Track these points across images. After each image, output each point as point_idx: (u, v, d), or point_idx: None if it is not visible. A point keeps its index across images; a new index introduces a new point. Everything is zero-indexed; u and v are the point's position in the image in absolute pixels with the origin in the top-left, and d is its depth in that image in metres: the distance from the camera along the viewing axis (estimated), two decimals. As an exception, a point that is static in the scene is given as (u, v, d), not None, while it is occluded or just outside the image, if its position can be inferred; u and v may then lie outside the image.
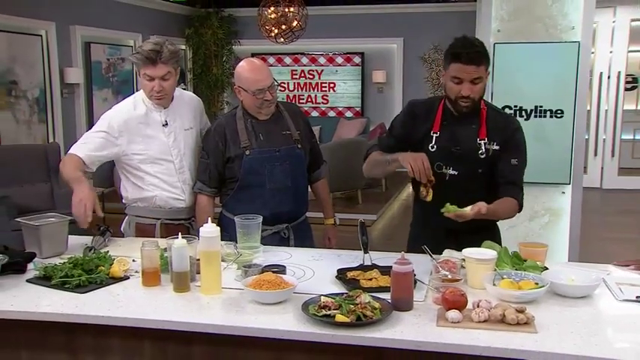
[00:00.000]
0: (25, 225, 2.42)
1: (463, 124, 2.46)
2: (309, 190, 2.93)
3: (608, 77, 8.91)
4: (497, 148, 2.45)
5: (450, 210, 2.22)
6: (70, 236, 2.55)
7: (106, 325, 1.89)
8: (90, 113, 8.02)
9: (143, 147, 2.71)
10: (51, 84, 7.35)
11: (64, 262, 2.19)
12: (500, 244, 2.50)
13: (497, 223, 2.64)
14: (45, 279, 2.14)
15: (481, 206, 2.22)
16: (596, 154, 9.00)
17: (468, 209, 2.21)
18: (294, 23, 7.71)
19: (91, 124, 7.97)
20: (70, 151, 2.69)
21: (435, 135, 2.47)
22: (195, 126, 2.86)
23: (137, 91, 2.85)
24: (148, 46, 2.60)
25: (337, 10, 9.96)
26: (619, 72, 8.93)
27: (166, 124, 2.74)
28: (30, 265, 2.27)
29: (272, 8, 7.67)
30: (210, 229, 2.02)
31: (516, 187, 2.45)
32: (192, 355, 1.91)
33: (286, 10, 7.68)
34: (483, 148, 2.43)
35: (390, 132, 2.66)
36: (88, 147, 2.66)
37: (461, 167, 2.44)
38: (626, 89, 9.04)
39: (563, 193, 3.87)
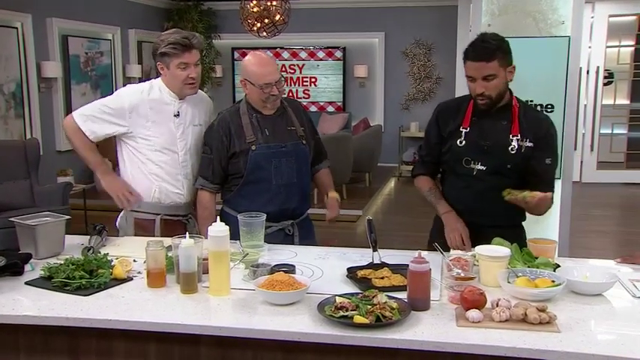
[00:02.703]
0: (20, 225, 2.34)
1: (494, 120, 2.47)
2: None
3: (587, 72, 9.01)
4: (530, 145, 2.45)
5: (514, 194, 2.27)
6: (65, 236, 2.46)
7: (112, 328, 1.82)
8: (68, 108, 7.81)
9: (151, 133, 2.68)
10: (27, 78, 7.14)
11: (63, 263, 2.11)
12: (525, 243, 2.45)
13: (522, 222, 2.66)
14: (47, 280, 2.06)
15: (542, 198, 2.26)
16: (575, 149, 9.09)
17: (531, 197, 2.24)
18: (277, 17, 7.61)
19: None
20: (76, 119, 2.69)
21: (464, 130, 2.48)
22: (204, 124, 2.81)
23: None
24: (176, 35, 2.63)
25: (318, 4, 9.89)
26: (597, 67, 9.03)
27: (178, 114, 2.72)
28: (27, 267, 2.19)
29: (254, 2, 7.56)
30: (219, 229, 1.96)
31: (550, 186, 2.47)
32: (199, 358, 1.86)
33: (269, 3, 7.58)
34: (515, 144, 2.43)
35: (427, 141, 2.66)
36: (95, 126, 2.67)
37: (489, 162, 2.44)
38: (604, 84, 9.15)
39: (553, 187, 3.89)
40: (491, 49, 2.33)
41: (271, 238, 2.53)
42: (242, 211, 2.43)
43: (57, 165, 6.91)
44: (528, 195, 2.22)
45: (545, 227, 4.00)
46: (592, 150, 9.20)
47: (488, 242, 2.24)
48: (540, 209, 2.42)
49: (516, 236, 2.48)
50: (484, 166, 2.44)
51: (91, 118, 2.68)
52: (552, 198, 2.46)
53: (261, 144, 2.62)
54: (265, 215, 2.39)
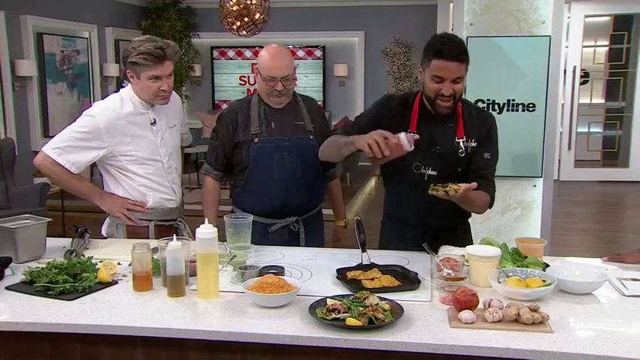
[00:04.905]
0: (0, 228, 2.27)
1: (440, 123, 2.39)
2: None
3: (564, 72, 9.10)
4: (475, 144, 2.40)
5: (437, 189, 2.14)
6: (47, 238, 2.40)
7: (98, 333, 1.78)
8: (44, 107, 7.71)
9: (132, 147, 2.57)
10: (1, 77, 7.01)
11: (46, 267, 2.05)
12: (472, 240, 2.50)
13: (469, 219, 2.61)
14: (28, 284, 2.00)
15: (467, 188, 2.13)
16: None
17: (453, 191, 2.13)
18: (257, 16, 7.56)
19: (45, 119, 7.71)
20: (50, 154, 2.50)
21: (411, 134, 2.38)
22: (178, 123, 2.76)
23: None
24: (149, 44, 2.46)
25: (298, 3, 9.88)
26: (574, 67, 9.15)
27: (154, 122, 2.62)
28: (7, 271, 2.13)
29: (234, 0, 7.51)
30: (207, 231, 1.92)
31: (489, 182, 2.41)
32: (187, 363, 1.82)
33: (248, 2, 7.53)
34: (462, 146, 2.38)
35: (358, 120, 2.50)
36: (74, 156, 2.51)
37: (440, 167, 2.37)
38: (580, 83, 9.27)
39: (535, 186, 3.91)
40: (465, 50, 2.25)
41: (276, 235, 2.56)
42: (247, 209, 2.53)
43: (32, 165, 6.77)
44: (451, 189, 2.12)
45: (527, 226, 4.02)
46: (569, 148, 9.32)
47: (438, 245, 2.24)
48: (471, 204, 2.32)
49: (465, 235, 2.50)
50: (435, 171, 2.36)
51: (67, 149, 2.50)
52: (493, 198, 2.39)
53: (264, 137, 2.61)
54: (252, 217, 2.37)
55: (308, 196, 2.71)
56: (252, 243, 2.37)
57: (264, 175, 2.61)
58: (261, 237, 2.59)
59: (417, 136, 2.09)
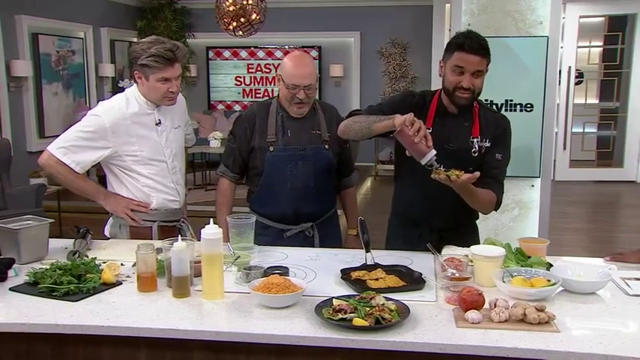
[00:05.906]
0: (2, 229, 2.26)
1: (455, 122, 2.43)
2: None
3: (559, 72, 9.12)
4: (488, 145, 2.44)
5: (440, 173, 2.16)
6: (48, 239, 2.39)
7: (104, 334, 1.77)
8: (40, 108, 7.65)
9: (137, 147, 2.56)
10: (-4, 77, 6.98)
11: (50, 268, 2.04)
12: (478, 241, 2.51)
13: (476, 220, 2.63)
14: (32, 285, 2.00)
15: (469, 177, 2.16)
16: (549, 147, 9.23)
17: (455, 176, 2.15)
18: (253, 16, 7.55)
19: (41, 120, 7.67)
20: (55, 153, 2.49)
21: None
22: (182, 124, 2.76)
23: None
24: (159, 46, 2.45)
25: (294, 4, 9.87)
26: (569, 67, 9.18)
27: (159, 122, 2.61)
28: (10, 272, 2.12)
29: (230, 0, 7.50)
30: (212, 231, 1.92)
31: (498, 183, 2.44)
32: (193, 364, 1.82)
33: (245, 2, 7.52)
34: (476, 146, 2.41)
35: (381, 106, 2.52)
36: (79, 156, 2.50)
37: (452, 165, 2.33)
38: (575, 84, 9.31)
39: (533, 186, 3.93)
40: (486, 47, 2.32)
41: (291, 241, 2.57)
42: (262, 213, 2.58)
43: (28, 166, 6.75)
44: (453, 174, 2.15)
45: (524, 226, 4.03)
46: (565, 148, 9.34)
47: (444, 246, 2.27)
48: (474, 199, 2.33)
49: (473, 236, 2.52)
50: (445, 168, 2.32)
51: (72, 149, 2.49)
52: (499, 200, 2.42)
53: (279, 146, 2.61)
54: (254, 217, 2.39)
55: (320, 204, 2.71)
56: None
57: (278, 183, 2.62)
58: (277, 241, 2.60)
59: (437, 166, 2.16)
